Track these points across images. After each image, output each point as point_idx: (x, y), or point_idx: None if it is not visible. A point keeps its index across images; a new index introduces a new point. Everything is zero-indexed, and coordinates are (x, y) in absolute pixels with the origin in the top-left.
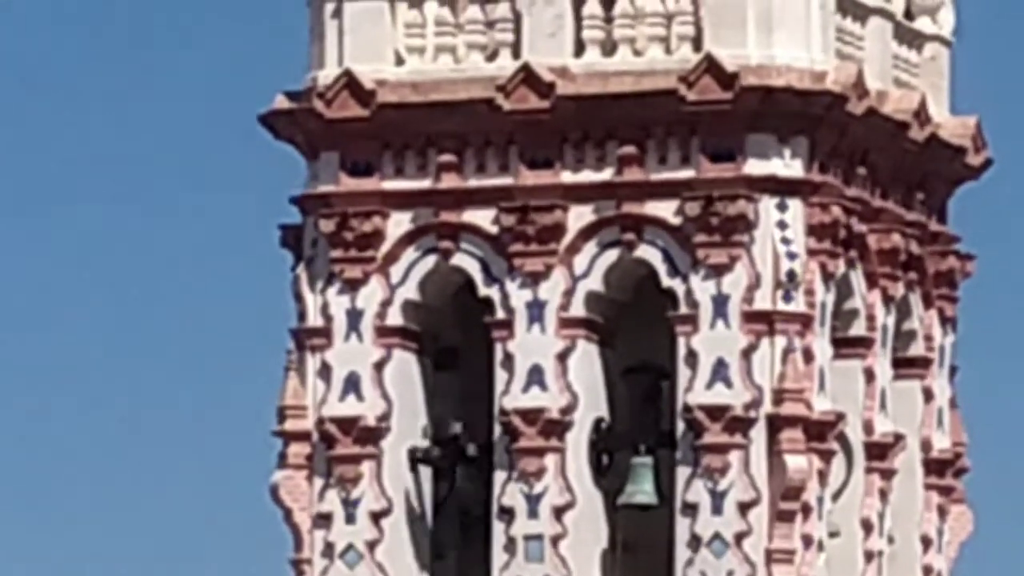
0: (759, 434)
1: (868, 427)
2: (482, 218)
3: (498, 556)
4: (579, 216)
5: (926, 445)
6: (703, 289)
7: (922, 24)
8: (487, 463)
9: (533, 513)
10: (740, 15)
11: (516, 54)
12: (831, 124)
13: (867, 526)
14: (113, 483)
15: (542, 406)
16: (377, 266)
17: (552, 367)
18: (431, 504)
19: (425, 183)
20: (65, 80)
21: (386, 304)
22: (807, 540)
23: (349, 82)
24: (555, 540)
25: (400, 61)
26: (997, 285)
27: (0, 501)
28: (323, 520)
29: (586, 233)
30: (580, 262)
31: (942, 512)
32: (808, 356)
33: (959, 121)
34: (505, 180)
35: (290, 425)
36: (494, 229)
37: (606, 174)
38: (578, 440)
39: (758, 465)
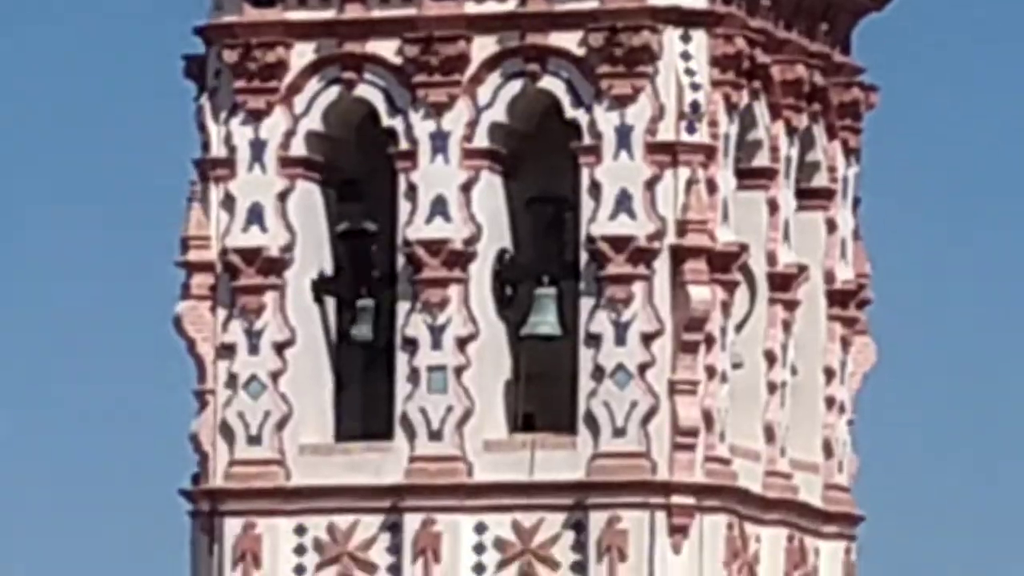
0: (662, 265)
1: (771, 258)
2: (385, 49)
3: (401, 387)
4: (483, 47)
5: (829, 276)
6: (606, 120)
7: None
8: (391, 293)
9: (436, 344)
10: None
11: None
12: None
13: (770, 357)
14: (9, 310)
15: (445, 237)
16: (280, 97)
17: (455, 198)
18: (335, 334)
19: (329, 13)
20: None
21: (289, 135)
22: (710, 371)
23: None
24: (458, 371)
25: None
26: (900, 117)
27: None
28: (226, 350)
29: (489, 64)
30: (484, 93)
31: (845, 343)
32: (712, 187)
33: None
34: (409, 11)
35: (193, 255)
36: (397, 60)
37: (510, 4)
38: (481, 271)
39: (661, 296)
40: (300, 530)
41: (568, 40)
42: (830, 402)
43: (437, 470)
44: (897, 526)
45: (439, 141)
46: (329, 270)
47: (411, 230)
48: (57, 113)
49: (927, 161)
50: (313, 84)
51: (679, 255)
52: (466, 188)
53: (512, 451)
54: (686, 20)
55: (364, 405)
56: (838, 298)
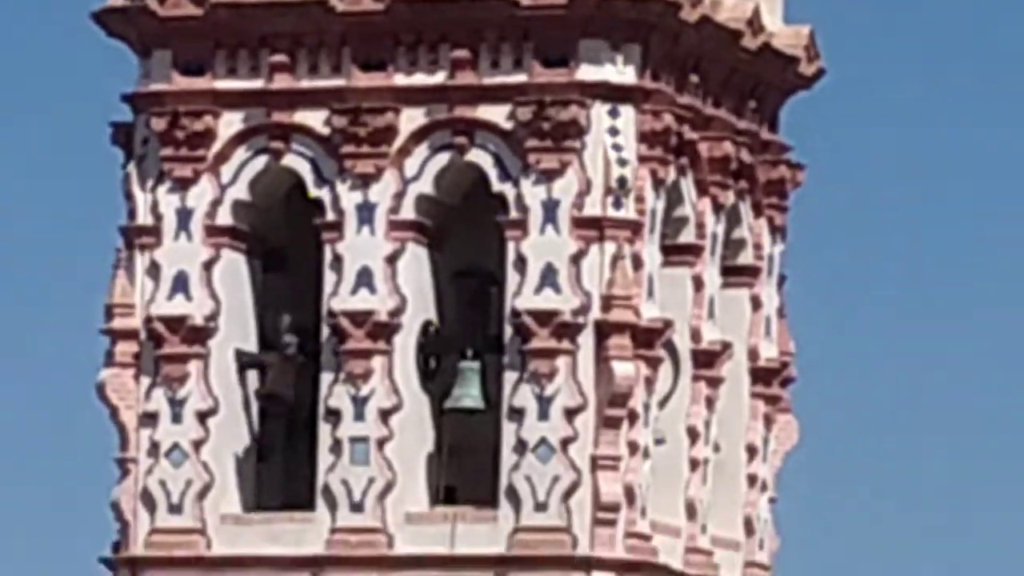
0: (587, 340)
1: (696, 335)
2: (314, 119)
3: (323, 458)
4: (411, 119)
5: (753, 354)
6: (533, 194)
7: None
8: (314, 364)
9: (359, 415)
10: None
11: None
12: (664, 31)
13: (693, 434)
14: None
15: (370, 308)
16: (208, 165)
17: (381, 269)
18: (257, 404)
19: (257, 83)
20: None
21: (216, 204)
22: (633, 447)
23: None
24: (381, 443)
25: None
26: (827, 195)
27: None
28: (149, 419)
29: (418, 136)
30: (411, 165)
31: (768, 421)
32: (637, 263)
33: (792, 30)
34: (337, 81)
35: (118, 323)
36: (326, 130)
37: (439, 77)
38: (406, 343)
39: (585, 371)
40: None
41: (496, 113)
42: (752, 480)
43: (358, 542)
44: None
45: (365, 212)
46: (254, 344)
47: (336, 301)
48: None
49: (853, 240)
50: (240, 153)
51: (603, 330)
52: (392, 260)
53: (433, 524)
54: (614, 96)
55: (286, 475)
56: (762, 376)
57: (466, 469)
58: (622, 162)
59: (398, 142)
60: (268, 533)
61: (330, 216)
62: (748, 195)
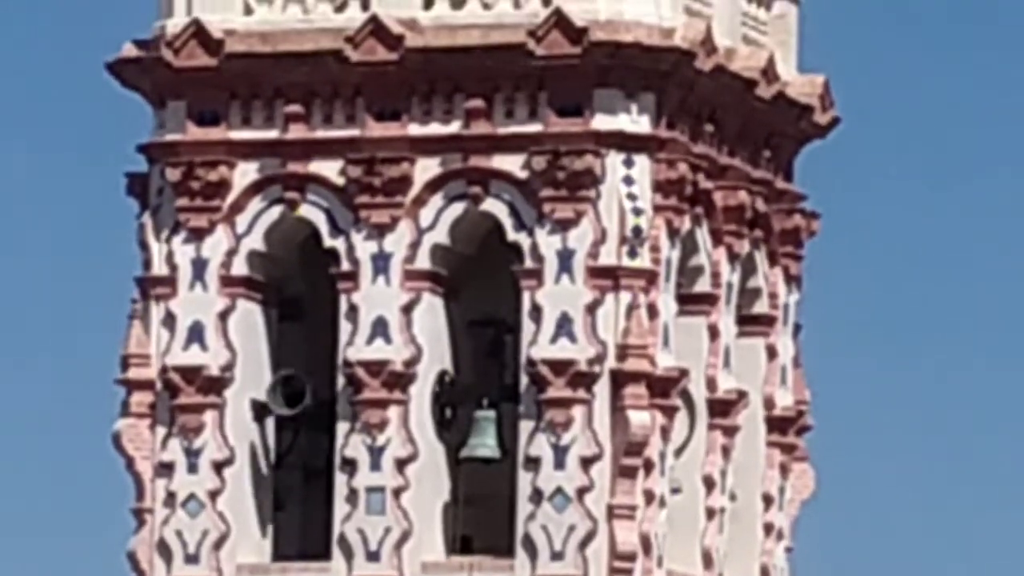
0: (602, 389)
1: (711, 384)
2: (329, 169)
3: (340, 508)
4: (425, 169)
5: (769, 403)
6: (548, 243)
7: None
8: (330, 414)
9: (375, 465)
10: None
11: (365, 6)
12: (679, 81)
13: (709, 483)
14: None
15: (386, 358)
16: (223, 215)
17: (396, 319)
18: (274, 454)
19: (272, 133)
20: None
21: (231, 254)
22: (649, 496)
23: (197, 31)
24: (397, 492)
25: (249, 11)
26: (842, 244)
27: None
28: (165, 469)
29: (432, 186)
30: (426, 215)
31: (784, 470)
32: (652, 312)
33: (807, 79)
34: (352, 131)
35: (133, 373)
36: (340, 180)
37: (453, 127)
38: (421, 393)
39: (601, 420)
40: None
41: (511, 163)
42: (768, 528)
43: None
44: None
45: (381, 262)
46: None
47: (352, 351)
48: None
49: (867, 289)
50: (256, 203)
51: (619, 379)
52: (407, 310)
53: (450, 573)
54: (629, 145)
55: (302, 525)
56: (777, 424)
57: (482, 518)
58: (637, 211)
59: (413, 192)
60: None
61: (345, 266)
62: (763, 244)
